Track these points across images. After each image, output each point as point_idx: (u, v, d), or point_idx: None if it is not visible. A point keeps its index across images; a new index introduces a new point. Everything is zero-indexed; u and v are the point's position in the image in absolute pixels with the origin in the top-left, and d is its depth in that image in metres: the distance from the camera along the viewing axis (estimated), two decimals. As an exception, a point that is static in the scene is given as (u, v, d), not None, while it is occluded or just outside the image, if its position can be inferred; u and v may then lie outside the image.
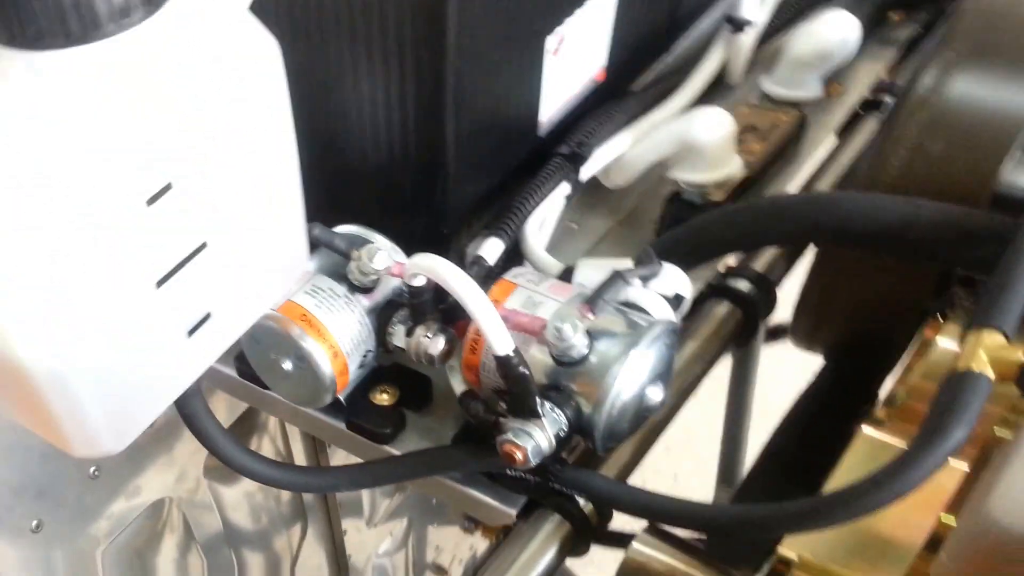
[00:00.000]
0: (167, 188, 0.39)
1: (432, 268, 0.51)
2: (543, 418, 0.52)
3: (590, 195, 0.75)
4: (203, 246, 0.42)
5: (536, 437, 0.52)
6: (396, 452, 0.60)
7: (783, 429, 0.70)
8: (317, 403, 0.59)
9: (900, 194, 0.58)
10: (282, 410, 0.66)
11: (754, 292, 0.70)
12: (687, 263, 0.61)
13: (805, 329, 0.70)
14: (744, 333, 0.70)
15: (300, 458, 0.86)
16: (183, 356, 0.44)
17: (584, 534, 0.58)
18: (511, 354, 0.51)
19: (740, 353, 0.80)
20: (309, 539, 0.99)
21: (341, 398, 0.61)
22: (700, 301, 0.70)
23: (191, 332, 0.44)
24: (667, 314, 0.58)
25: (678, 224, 0.72)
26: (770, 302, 0.71)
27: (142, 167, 0.38)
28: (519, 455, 0.52)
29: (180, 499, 0.86)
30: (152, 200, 0.39)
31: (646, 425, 0.57)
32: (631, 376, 0.53)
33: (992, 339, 0.46)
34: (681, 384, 0.65)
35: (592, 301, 0.53)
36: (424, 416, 0.62)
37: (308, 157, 0.66)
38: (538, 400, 0.53)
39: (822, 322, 0.69)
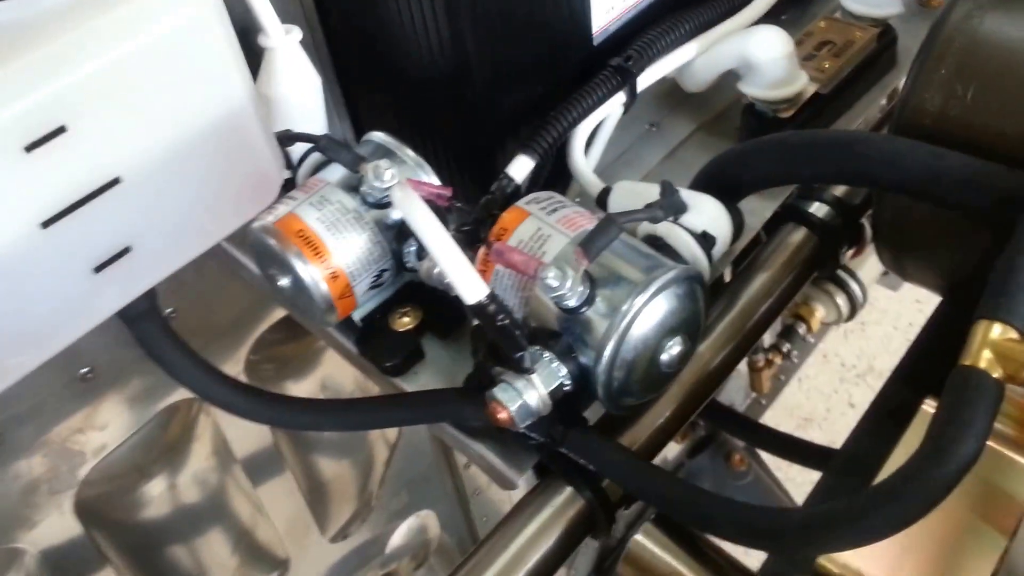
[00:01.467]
0: (59, 131, 0.34)
1: (402, 204, 0.43)
2: (535, 374, 0.44)
3: (672, 97, 0.66)
4: (115, 181, 0.37)
5: (525, 395, 0.44)
6: (405, 386, 0.53)
7: (896, 375, 0.59)
8: (322, 323, 0.53)
9: (940, 138, 0.46)
10: (307, 321, 0.60)
11: (832, 218, 0.59)
12: (728, 198, 0.51)
13: (889, 260, 0.58)
14: (824, 264, 0.60)
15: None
16: (85, 293, 0.38)
17: (602, 512, 0.48)
18: (484, 301, 0.42)
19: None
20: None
21: (356, 319, 0.54)
22: (773, 225, 0.59)
23: (99, 268, 0.38)
24: (695, 254, 0.48)
25: (752, 136, 0.62)
26: (852, 230, 0.59)
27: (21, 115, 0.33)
28: (503, 415, 0.44)
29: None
30: (34, 145, 0.34)
31: (686, 381, 0.48)
32: (637, 326, 0.44)
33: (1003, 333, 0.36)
34: (743, 323, 0.55)
35: (587, 247, 0.44)
36: (449, 345, 0.55)
37: (359, 59, 0.60)
38: (533, 351, 0.44)
39: (906, 258, 0.57)
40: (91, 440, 0.67)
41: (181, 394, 0.71)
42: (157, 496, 0.76)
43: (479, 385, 0.47)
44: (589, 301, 0.45)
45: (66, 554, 0.71)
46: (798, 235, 0.59)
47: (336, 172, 0.52)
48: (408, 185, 0.46)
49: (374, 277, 0.52)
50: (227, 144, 0.40)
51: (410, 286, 0.55)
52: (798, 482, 1.59)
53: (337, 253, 0.50)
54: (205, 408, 0.75)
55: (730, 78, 0.62)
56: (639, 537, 0.47)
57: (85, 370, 0.64)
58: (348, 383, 0.87)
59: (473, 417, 0.48)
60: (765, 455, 1.11)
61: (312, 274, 0.49)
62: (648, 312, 0.44)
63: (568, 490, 0.49)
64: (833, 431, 1.68)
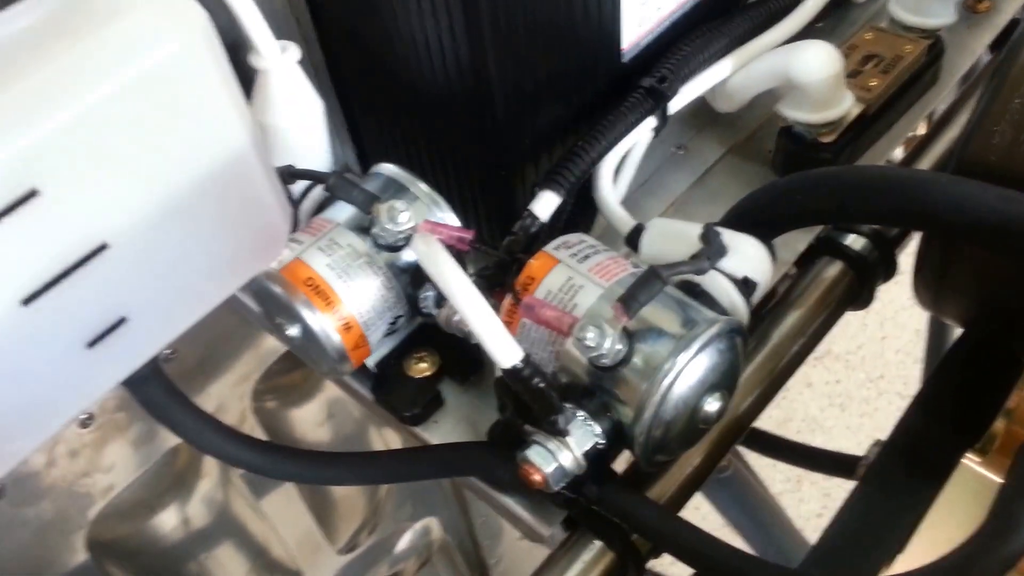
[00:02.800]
0: (30, 195, 0.28)
1: (426, 260, 0.38)
2: (570, 436, 0.39)
3: (700, 116, 0.59)
4: (101, 247, 0.30)
5: (560, 458, 0.39)
6: (425, 435, 0.48)
7: (917, 406, 0.54)
8: (334, 374, 0.47)
9: (1007, 177, 0.41)
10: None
11: (869, 251, 0.53)
12: (767, 231, 0.45)
13: (927, 297, 0.53)
14: (858, 299, 0.54)
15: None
16: (80, 370, 0.32)
17: (631, 565, 0.44)
18: (519, 365, 0.37)
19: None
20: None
21: (370, 365, 0.48)
22: (807, 258, 0.54)
23: (92, 343, 0.32)
24: (735, 302, 0.43)
25: (788, 160, 0.56)
26: (889, 265, 0.54)
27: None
28: (537, 478, 0.39)
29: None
30: (1, 214, 0.27)
31: (715, 430, 0.43)
32: (679, 385, 0.38)
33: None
34: (774, 364, 0.49)
35: (627, 302, 0.38)
36: (469, 390, 0.49)
37: (363, 80, 0.54)
38: (567, 411, 0.39)
39: (945, 292, 0.52)
40: (98, 482, 0.61)
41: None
42: (170, 529, 0.70)
43: (507, 442, 0.42)
44: (626, 359, 0.39)
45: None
46: (833, 269, 0.53)
47: (344, 210, 0.46)
48: (430, 236, 0.40)
49: (388, 324, 0.46)
50: (227, 195, 0.34)
51: (424, 328, 0.49)
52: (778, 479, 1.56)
53: (349, 302, 0.44)
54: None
55: (763, 96, 0.56)
56: None
57: (85, 416, 0.58)
58: (355, 408, 0.82)
59: (504, 476, 0.42)
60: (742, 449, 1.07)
61: (323, 325, 0.43)
62: (690, 370, 0.39)
63: (598, 544, 0.44)
64: (791, 410, 1.65)
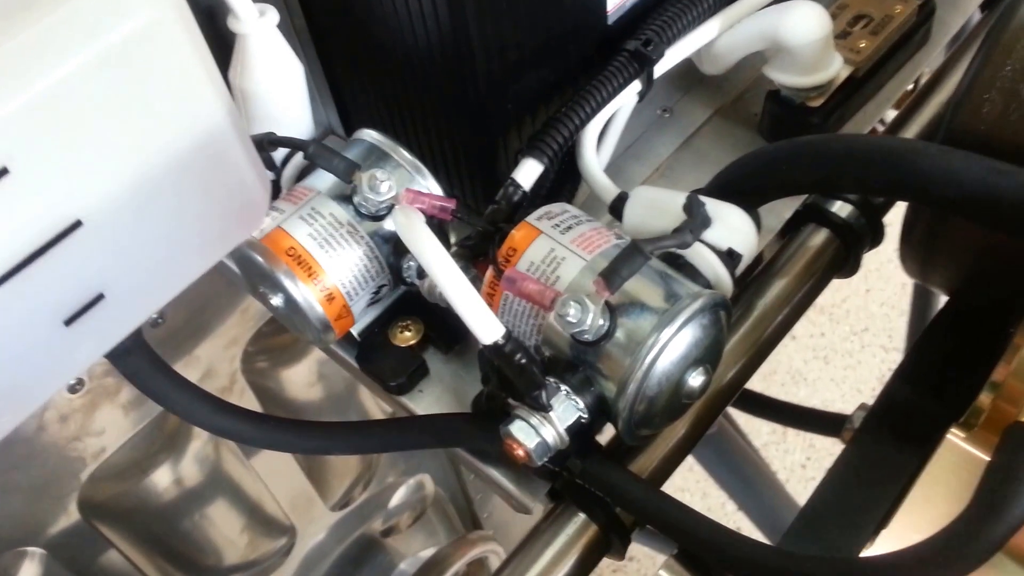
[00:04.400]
0: (1, 173, 0.27)
1: (406, 232, 0.37)
2: (553, 411, 0.39)
3: (686, 78, 0.58)
4: (76, 224, 0.30)
5: (543, 432, 0.39)
6: (411, 404, 0.48)
7: (901, 375, 0.54)
8: (319, 343, 0.47)
9: (997, 147, 0.40)
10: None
11: (856, 219, 0.53)
12: (752, 200, 0.44)
13: (914, 266, 0.52)
14: (843, 267, 0.53)
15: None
16: (58, 348, 0.32)
17: (616, 538, 0.44)
18: (500, 341, 0.36)
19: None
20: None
21: (355, 333, 0.48)
22: (792, 225, 0.53)
23: (70, 321, 0.31)
24: (719, 274, 0.42)
25: (775, 124, 0.56)
26: (876, 232, 0.53)
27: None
28: (520, 453, 0.39)
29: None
30: None
31: (699, 402, 0.43)
32: (662, 360, 0.38)
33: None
34: (759, 334, 0.49)
35: (609, 277, 0.38)
36: (453, 359, 0.49)
37: (345, 44, 0.53)
38: (550, 386, 0.39)
39: (932, 259, 0.51)
40: (89, 446, 0.61)
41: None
42: (163, 489, 0.70)
43: (491, 413, 0.42)
44: (609, 334, 0.39)
45: (76, 551, 0.66)
46: (819, 237, 0.52)
47: (326, 178, 0.46)
48: (409, 208, 0.39)
49: (372, 294, 0.46)
50: (203, 170, 0.33)
51: (408, 296, 0.49)
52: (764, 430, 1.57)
53: (332, 272, 0.44)
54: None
55: (751, 57, 0.55)
56: (663, 573, 0.42)
57: (74, 382, 0.58)
58: (342, 376, 0.81)
59: (488, 448, 0.42)
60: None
61: (306, 295, 0.43)
62: (673, 345, 0.39)
63: (582, 517, 0.44)
64: (775, 362, 1.65)
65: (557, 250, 0.41)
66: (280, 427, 0.47)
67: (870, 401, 0.53)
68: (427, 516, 1.05)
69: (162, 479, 0.72)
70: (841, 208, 0.52)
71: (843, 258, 0.53)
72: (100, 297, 0.33)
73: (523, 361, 0.38)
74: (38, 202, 0.29)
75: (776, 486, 1.07)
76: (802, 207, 0.52)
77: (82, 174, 0.30)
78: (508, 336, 0.37)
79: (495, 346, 0.37)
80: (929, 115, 0.56)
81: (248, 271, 0.45)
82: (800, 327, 1.72)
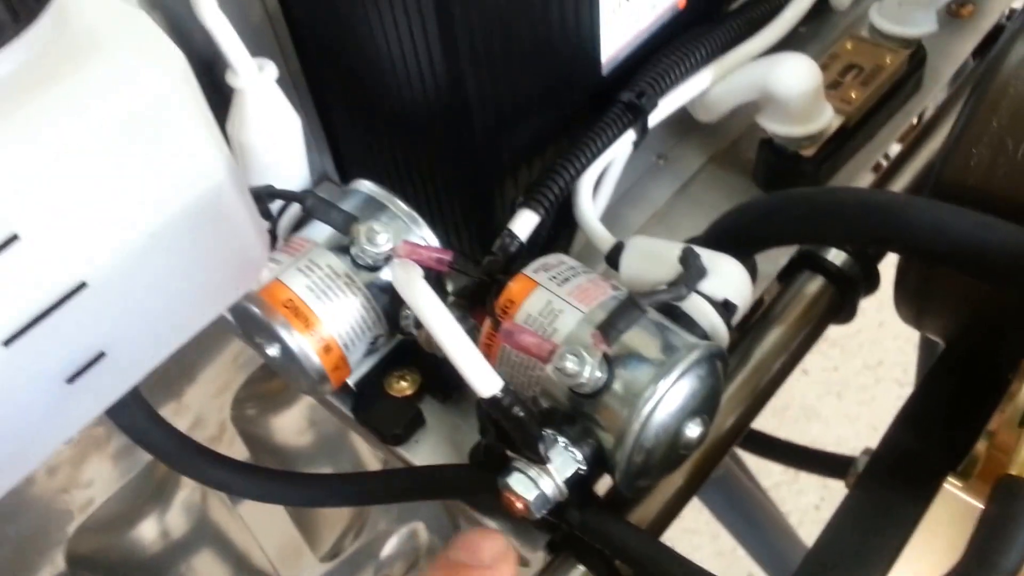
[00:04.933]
0: (11, 240, 0.28)
1: (404, 287, 0.39)
2: (551, 463, 0.40)
3: (680, 124, 0.59)
4: (81, 286, 0.31)
5: (542, 485, 0.40)
6: (407, 455, 0.48)
7: (903, 420, 0.55)
8: (316, 394, 0.48)
9: (985, 200, 0.42)
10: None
11: (850, 266, 0.54)
12: (744, 252, 0.46)
13: (908, 313, 0.54)
14: (839, 313, 0.55)
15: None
16: (59, 405, 0.33)
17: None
18: (499, 395, 0.37)
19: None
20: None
21: (351, 384, 0.49)
22: (789, 271, 0.55)
23: (72, 379, 0.32)
24: (715, 326, 0.44)
25: (769, 172, 0.57)
26: (870, 279, 0.55)
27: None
28: (519, 505, 0.40)
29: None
30: None
31: (697, 452, 0.44)
32: (659, 412, 0.39)
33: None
34: (756, 383, 0.50)
35: (606, 331, 0.39)
36: (450, 409, 0.50)
37: (342, 95, 0.54)
38: (548, 438, 0.40)
39: (926, 307, 0.53)
40: (76, 498, 0.61)
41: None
42: (150, 541, 0.71)
43: (489, 464, 0.43)
44: (606, 386, 0.40)
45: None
46: (815, 285, 0.53)
47: (323, 229, 0.47)
48: (408, 263, 0.41)
49: (369, 344, 0.47)
50: (204, 229, 0.34)
51: (405, 345, 0.50)
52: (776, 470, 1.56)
53: (329, 323, 0.45)
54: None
55: (745, 104, 0.56)
56: None
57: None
58: (334, 423, 0.82)
59: (486, 499, 0.43)
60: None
61: (302, 346, 0.44)
62: (670, 397, 0.40)
63: (581, 569, 0.45)
64: (787, 397, 1.64)
65: (554, 302, 0.42)
66: (273, 479, 0.48)
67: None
68: (420, 566, 1.05)
69: (149, 531, 0.72)
70: (836, 256, 0.54)
71: (838, 304, 0.54)
72: (101, 355, 0.34)
73: (521, 414, 0.39)
74: (46, 266, 0.30)
75: (785, 529, 1.08)
76: (796, 255, 0.54)
77: (88, 237, 0.31)
78: (506, 389, 0.38)
79: (493, 400, 0.38)
80: (922, 163, 0.58)
81: (245, 322, 0.46)
82: (813, 361, 1.72)
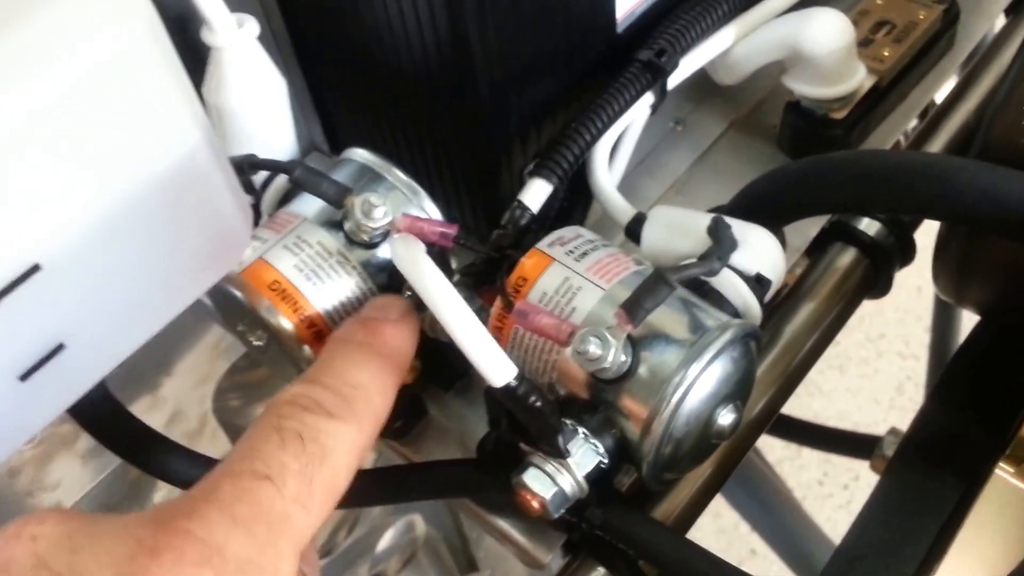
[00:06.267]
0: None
1: (406, 266, 0.35)
2: (571, 457, 0.36)
3: (698, 89, 0.56)
4: (33, 269, 0.27)
5: (560, 482, 0.36)
6: (408, 451, 0.45)
7: (936, 399, 0.52)
8: (306, 386, 0.44)
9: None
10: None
11: (885, 236, 0.51)
12: (776, 220, 0.42)
13: (948, 285, 0.51)
14: (874, 287, 0.51)
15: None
16: (12, 406, 0.29)
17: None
18: (513, 383, 0.34)
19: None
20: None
21: (346, 374, 0.46)
22: (818, 245, 0.51)
23: (26, 375, 0.29)
24: (748, 303, 0.40)
25: (796, 137, 0.54)
26: (906, 250, 0.51)
27: None
28: (535, 504, 0.36)
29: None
30: None
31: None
32: (690, 399, 0.36)
33: None
34: (787, 363, 0.47)
35: (632, 309, 0.35)
36: (455, 398, 0.46)
37: (332, 56, 0.50)
38: (567, 430, 0.36)
39: (968, 278, 0.50)
40: (43, 502, 0.58)
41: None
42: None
43: (500, 458, 0.40)
44: (631, 370, 0.37)
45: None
46: (847, 257, 0.50)
47: (312, 202, 0.43)
48: (409, 238, 0.37)
49: (364, 328, 0.43)
50: (177, 203, 0.31)
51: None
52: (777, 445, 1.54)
53: (319, 306, 0.41)
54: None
55: (768, 66, 0.53)
56: None
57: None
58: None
59: (497, 498, 0.40)
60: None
61: (290, 333, 0.41)
62: (702, 381, 0.36)
63: (601, 572, 0.42)
64: None
65: (572, 279, 0.39)
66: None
67: (888, 411, 0.51)
68: (418, 559, 1.01)
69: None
70: (869, 226, 0.51)
71: (873, 278, 0.51)
72: (60, 348, 0.30)
73: (538, 404, 0.35)
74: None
75: (807, 523, 1.05)
76: (828, 225, 0.51)
77: (41, 212, 0.27)
78: (521, 377, 0.35)
79: (507, 389, 0.34)
80: (955, 126, 0.54)
81: (225, 308, 0.43)
82: (813, 337, 1.71)
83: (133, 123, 0.29)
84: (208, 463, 0.42)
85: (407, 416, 0.45)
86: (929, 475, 0.50)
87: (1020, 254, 0.47)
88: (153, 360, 0.61)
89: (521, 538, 0.42)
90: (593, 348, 0.35)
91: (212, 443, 0.70)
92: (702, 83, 0.55)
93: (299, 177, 0.41)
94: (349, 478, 0.32)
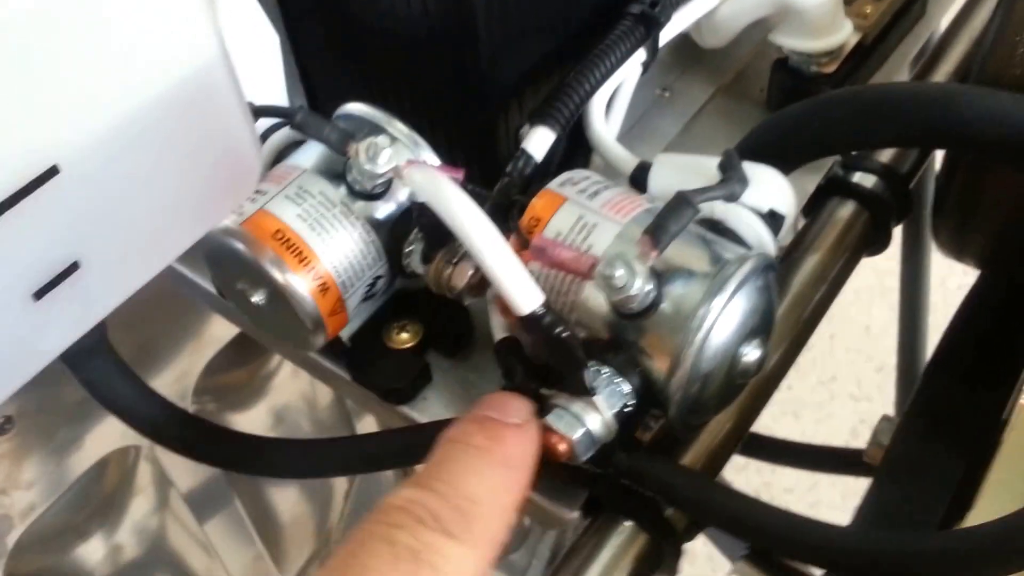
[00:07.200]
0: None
1: (428, 190, 0.34)
2: (597, 395, 0.35)
3: (683, 54, 0.57)
4: (52, 171, 0.26)
5: (588, 421, 0.35)
6: (414, 414, 0.44)
7: (936, 369, 0.52)
8: (305, 347, 0.43)
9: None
10: (276, 344, 0.50)
11: (883, 189, 0.51)
12: (783, 164, 0.42)
13: (947, 238, 0.51)
14: (874, 241, 0.52)
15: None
16: (27, 330, 0.28)
17: (668, 548, 0.40)
18: (539, 311, 0.33)
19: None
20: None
21: (345, 339, 0.44)
22: (815, 202, 0.51)
23: (40, 293, 0.27)
24: (762, 238, 0.40)
25: (785, 96, 0.54)
26: (902, 202, 0.52)
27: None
28: (563, 447, 0.35)
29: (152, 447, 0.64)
30: None
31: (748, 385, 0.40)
32: (717, 332, 0.35)
33: None
34: (798, 315, 0.47)
35: (656, 234, 0.35)
36: (459, 363, 0.45)
37: (319, 17, 0.49)
38: (592, 368, 0.36)
39: (967, 228, 0.50)
40: (17, 502, 0.55)
41: (117, 441, 0.59)
42: (98, 561, 0.64)
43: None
44: (654, 306, 0.36)
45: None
46: (846, 210, 0.50)
47: (311, 155, 0.42)
48: (424, 165, 0.36)
49: (367, 287, 0.42)
50: (194, 115, 0.30)
51: (401, 296, 0.45)
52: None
53: (326, 258, 0.40)
54: (146, 454, 0.63)
55: (750, 31, 0.53)
56: None
57: (1, 419, 0.52)
58: (304, 421, 0.76)
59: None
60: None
61: (297, 286, 0.39)
62: (728, 313, 0.36)
63: (628, 525, 0.40)
64: None
65: (587, 216, 0.38)
66: (263, 446, 0.42)
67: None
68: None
69: (97, 548, 0.66)
70: (864, 179, 0.51)
71: (872, 232, 0.51)
72: (75, 266, 0.29)
73: (564, 335, 0.34)
74: (12, 141, 0.25)
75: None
76: (824, 180, 0.51)
77: (60, 108, 0.26)
78: (547, 305, 0.34)
79: (533, 317, 0.34)
80: (950, 67, 0.56)
81: (223, 266, 0.41)
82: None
83: (153, 27, 0.28)
84: (211, 430, 0.40)
85: (413, 380, 0.43)
86: (938, 439, 0.50)
87: (1016, 194, 0.48)
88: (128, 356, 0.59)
89: (539, 497, 0.41)
90: (620, 273, 0.34)
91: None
92: (685, 50, 0.55)
93: (302, 121, 0.40)
94: None
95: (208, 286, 0.48)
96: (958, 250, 0.52)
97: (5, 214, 0.26)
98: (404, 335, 0.45)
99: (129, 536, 0.67)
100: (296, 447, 0.43)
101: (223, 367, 0.66)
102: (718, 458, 0.42)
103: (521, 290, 0.33)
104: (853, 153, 0.52)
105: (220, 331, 0.62)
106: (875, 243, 0.52)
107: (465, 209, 0.33)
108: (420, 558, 0.27)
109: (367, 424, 0.82)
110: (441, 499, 0.29)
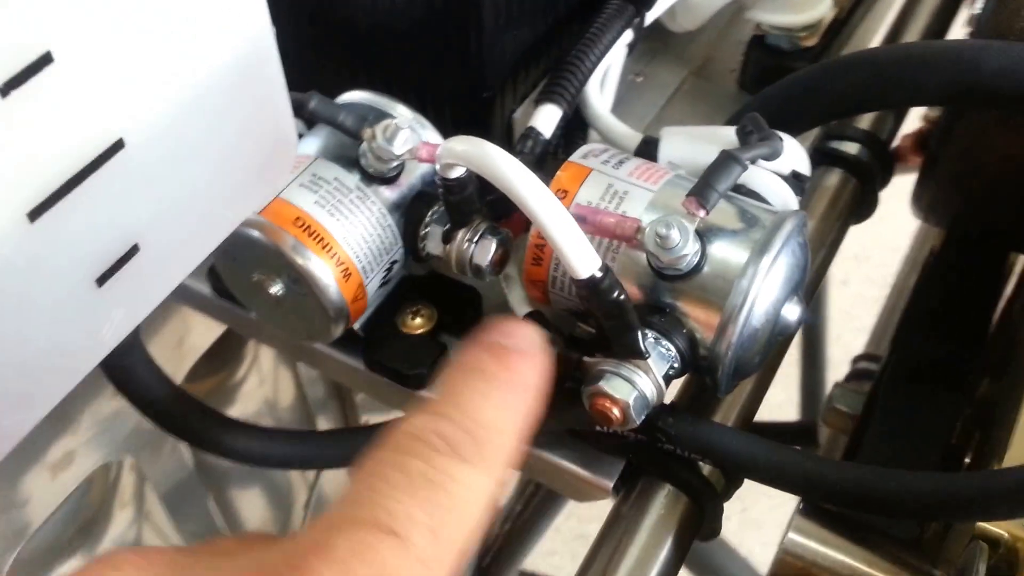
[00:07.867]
0: (44, 60, 0.22)
1: (477, 157, 0.33)
2: (648, 358, 0.35)
3: (652, 40, 0.57)
4: (118, 145, 0.24)
5: (640, 384, 0.35)
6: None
7: (906, 326, 0.54)
8: (323, 338, 0.41)
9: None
10: (279, 341, 0.49)
11: (867, 156, 0.52)
12: (793, 129, 0.43)
13: (929, 199, 0.53)
14: (861, 208, 0.53)
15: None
16: (90, 317, 0.26)
17: (710, 511, 0.40)
18: (597, 274, 0.33)
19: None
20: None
21: (357, 328, 0.43)
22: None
23: (103, 278, 0.26)
24: (786, 199, 0.40)
25: (762, 74, 0.54)
26: (886, 167, 0.53)
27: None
28: (616, 412, 0.35)
29: (136, 459, 0.62)
30: (13, 84, 0.21)
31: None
32: (763, 290, 0.35)
33: None
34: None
35: (702, 193, 0.35)
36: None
37: (313, 18, 0.48)
38: (641, 332, 0.35)
39: (950, 189, 0.52)
40: (13, 521, 0.51)
41: (104, 457, 0.56)
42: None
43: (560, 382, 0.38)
44: (697, 267, 0.36)
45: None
46: (833, 178, 0.51)
47: (321, 141, 0.41)
48: (465, 137, 0.35)
49: (384, 272, 0.41)
50: (246, 93, 0.28)
51: (409, 282, 0.44)
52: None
53: (346, 244, 0.39)
54: (128, 468, 0.60)
55: (715, 18, 0.54)
56: (794, 536, 0.39)
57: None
58: (290, 417, 0.74)
59: (559, 418, 0.38)
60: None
61: (321, 273, 0.38)
62: (774, 273, 0.36)
63: (667, 489, 0.40)
64: None
65: (616, 184, 0.38)
66: (281, 438, 0.41)
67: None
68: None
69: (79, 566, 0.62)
70: (848, 147, 0.52)
71: (860, 198, 0.52)
72: (135, 249, 0.27)
73: (622, 298, 0.34)
74: (82, 107, 0.24)
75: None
76: (810, 150, 0.52)
77: (127, 79, 0.25)
78: (606, 268, 0.33)
79: (591, 281, 0.33)
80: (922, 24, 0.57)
81: (237, 258, 0.40)
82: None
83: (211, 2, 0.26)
84: (243, 429, 0.39)
85: (432, 363, 0.42)
86: (921, 398, 0.51)
87: (981, 149, 0.49)
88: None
89: (579, 469, 0.40)
90: (673, 232, 0.34)
91: (173, 450, 0.64)
92: (654, 37, 0.56)
93: (316, 107, 0.39)
94: (476, 538, 0.28)
95: (197, 285, 0.46)
96: (932, 210, 0.53)
97: (73, 192, 0.24)
98: (419, 320, 0.44)
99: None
100: (307, 438, 0.41)
101: (207, 373, 0.63)
102: (748, 417, 0.42)
103: (582, 254, 0.33)
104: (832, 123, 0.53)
105: (199, 340, 0.59)
106: (862, 209, 0.53)
107: (521, 173, 0.33)
108: (435, 484, 0.27)
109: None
110: (453, 424, 0.28)
